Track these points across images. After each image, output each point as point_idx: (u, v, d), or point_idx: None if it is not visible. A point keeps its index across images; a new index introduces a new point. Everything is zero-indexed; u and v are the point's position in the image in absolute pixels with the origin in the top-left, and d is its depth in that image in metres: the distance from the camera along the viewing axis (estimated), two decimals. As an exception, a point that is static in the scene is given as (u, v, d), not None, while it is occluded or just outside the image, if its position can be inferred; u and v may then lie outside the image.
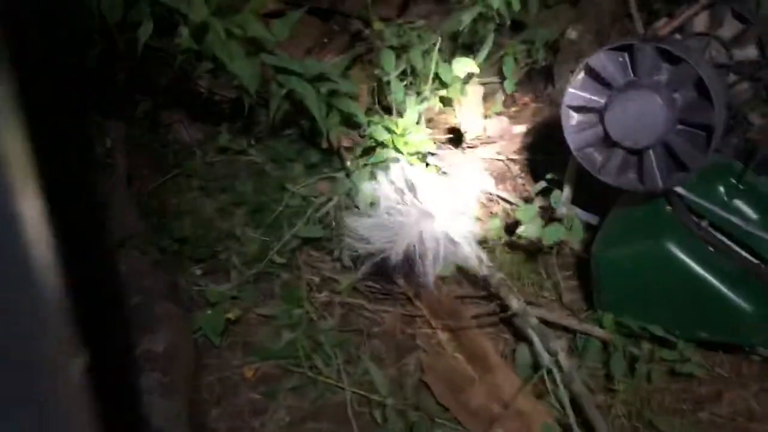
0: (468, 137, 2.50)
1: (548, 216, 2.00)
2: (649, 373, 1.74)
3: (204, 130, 2.56)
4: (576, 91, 1.66)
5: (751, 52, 1.88)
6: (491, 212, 2.25)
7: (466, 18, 2.35)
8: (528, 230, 1.94)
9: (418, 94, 2.43)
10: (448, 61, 2.45)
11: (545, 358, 1.72)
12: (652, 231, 1.73)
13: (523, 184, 2.40)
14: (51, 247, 0.48)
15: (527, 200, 2.24)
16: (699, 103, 1.55)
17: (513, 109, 2.71)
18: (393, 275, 2.05)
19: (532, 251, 2.08)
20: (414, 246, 1.88)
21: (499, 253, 2.09)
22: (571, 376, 1.69)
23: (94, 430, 0.51)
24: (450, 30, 2.42)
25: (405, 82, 2.43)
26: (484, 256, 1.88)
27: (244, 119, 2.30)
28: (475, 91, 2.51)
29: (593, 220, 2.01)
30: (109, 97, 2.47)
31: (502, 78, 2.63)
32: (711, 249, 1.71)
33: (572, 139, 1.70)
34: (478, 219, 1.96)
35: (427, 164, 2.28)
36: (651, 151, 1.62)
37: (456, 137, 2.51)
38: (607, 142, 1.67)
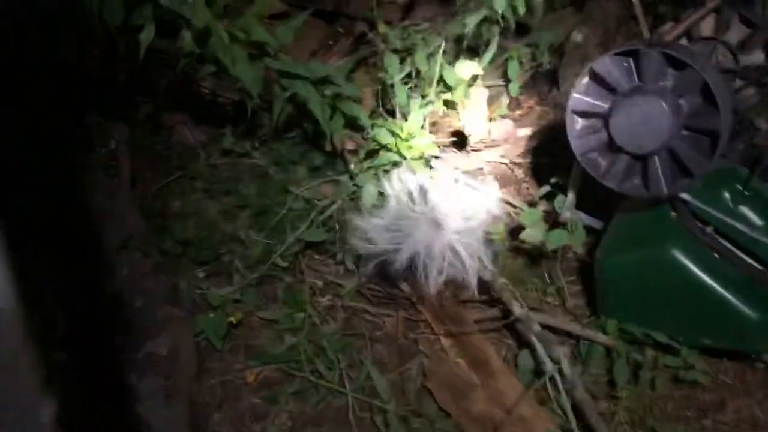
0: (472, 140, 2.50)
1: (552, 220, 1.99)
2: (653, 380, 1.73)
3: (207, 132, 2.56)
4: (580, 95, 1.65)
5: (757, 57, 1.86)
6: (494, 216, 2.24)
7: (471, 21, 2.35)
8: (531, 234, 1.92)
9: (423, 97, 2.43)
10: (453, 64, 2.44)
11: (548, 365, 1.71)
12: (657, 237, 1.72)
13: (528, 188, 2.39)
14: (12, 297, 0.47)
15: (531, 204, 2.23)
16: (705, 109, 1.54)
17: (518, 112, 2.71)
18: (396, 279, 2.05)
19: (536, 256, 2.07)
20: (420, 253, 1.88)
21: (502, 257, 2.08)
22: (573, 383, 1.68)
23: None
24: (454, 33, 2.42)
25: (409, 85, 2.43)
26: (488, 262, 1.88)
27: (248, 122, 2.29)
28: (479, 94, 2.50)
29: (597, 224, 2.00)
30: (111, 98, 2.47)
31: (507, 81, 2.63)
32: (716, 255, 1.70)
33: (576, 144, 1.69)
34: (487, 231, 1.95)
35: (431, 167, 2.27)
36: (656, 157, 1.60)
37: (460, 140, 2.50)
38: (611, 147, 1.66)
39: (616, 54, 1.59)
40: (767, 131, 1.88)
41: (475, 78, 2.47)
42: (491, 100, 2.59)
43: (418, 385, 1.83)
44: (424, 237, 1.89)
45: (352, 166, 2.25)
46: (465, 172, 2.39)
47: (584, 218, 1.98)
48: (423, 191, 1.99)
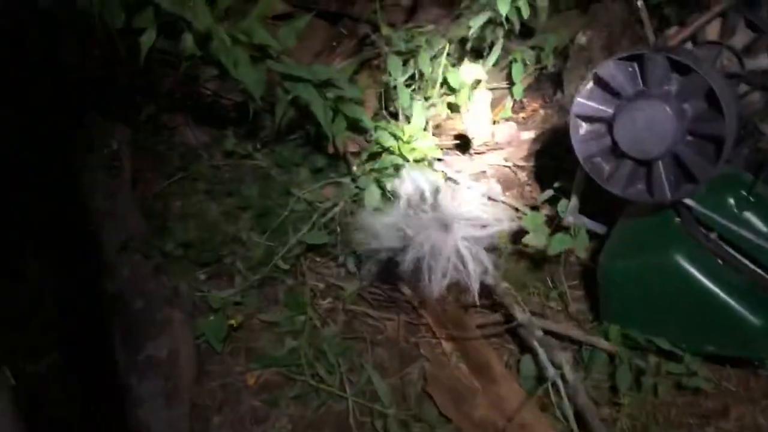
0: (475, 143, 2.49)
1: (555, 224, 1.97)
2: (656, 387, 1.71)
3: (210, 133, 2.55)
4: (584, 100, 1.64)
5: (763, 61, 1.85)
6: (497, 219, 2.23)
7: (475, 24, 2.34)
8: (534, 239, 1.91)
9: (426, 99, 2.42)
10: (456, 66, 2.44)
11: (550, 371, 1.70)
12: (661, 242, 1.71)
13: (531, 191, 2.38)
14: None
15: (534, 208, 2.22)
16: (709, 115, 1.53)
17: (521, 114, 2.70)
18: (398, 281, 2.04)
19: (538, 260, 2.05)
20: (426, 253, 1.87)
21: (504, 261, 2.06)
22: (575, 389, 1.66)
23: None
24: (458, 35, 2.41)
25: (412, 87, 2.42)
26: (491, 267, 1.86)
27: (250, 123, 2.29)
28: (483, 96, 2.49)
29: (600, 229, 1.98)
30: (113, 99, 2.47)
31: (511, 83, 2.62)
32: (720, 262, 1.69)
33: (580, 149, 1.68)
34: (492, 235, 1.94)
35: (434, 170, 2.26)
36: (660, 162, 1.59)
37: (463, 143, 2.49)
38: (615, 152, 1.65)
39: (620, 59, 1.58)
40: (773, 136, 1.87)
41: (478, 80, 2.46)
42: (495, 103, 2.58)
43: (419, 390, 1.82)
44: (431, 238, 1.88)
45: (354, 169, 2.24)
46: (468, 175, 2.38)
47: (587, 223, 1.96)
48: (434, 193, 1.98)
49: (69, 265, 2.04)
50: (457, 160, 2.48)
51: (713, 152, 1.54)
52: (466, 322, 1.94)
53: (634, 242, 1.79)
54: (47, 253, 2.11)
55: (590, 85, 1.64)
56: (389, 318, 2.01)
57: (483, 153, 2.53)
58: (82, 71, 2.32)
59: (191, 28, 1.77)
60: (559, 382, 1.67)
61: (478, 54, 2.57)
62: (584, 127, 1.68)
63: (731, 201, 1.67)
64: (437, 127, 2.48)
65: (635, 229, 1.82)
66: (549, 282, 2.04)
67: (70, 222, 2.13)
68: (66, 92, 2.26)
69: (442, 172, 2.30)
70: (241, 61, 1.86)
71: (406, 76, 2.40)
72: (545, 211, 2.12)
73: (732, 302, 1.63)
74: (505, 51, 2.56)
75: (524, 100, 2.70)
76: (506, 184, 2.41)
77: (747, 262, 1.68)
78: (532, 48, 2.61)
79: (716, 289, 1.64)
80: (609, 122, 1.62)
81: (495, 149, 2.54)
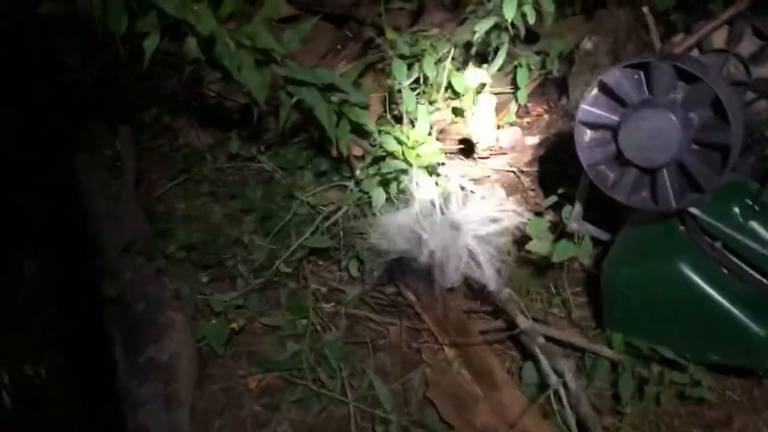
0: (480, 148, 2.48)
1: (559, 230, 1.97)
2: (658, 396, 1.71)
3: (214, 135, 2.55)
4: (589, 107, 1.63)
5: (770, 69, 1.84)
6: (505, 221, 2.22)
7: (481, 28, 2.33)
8: (538, 245, 1.91)
9: (430, 103, 2.42)
10: (461, 70, 2.43)
11: (552, 378, 1.69)
12: (665, 251, 1.70)
13: (534, 197, 2.37)
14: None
15: (538, 213, 2.21)
16: (715, 123, 1.52)
17: (526, 119, 2.69)
18: (407, 278, 2.04)
19: (542, 266, 2.05)
20: (438, 251, 1.88)
21: (507, 267, 2.05)
22: (578, 397, 1.66)
23: None
24: (463, 39, 2.40)
25: (417, 91, 2.42)
26: (500, 269, 1.87)
27: (254, 126, 2.28)
28: (487, 101, 2.49)
29: (604, 236, 1.98)
30: (117, 100, 2.47)
31: (516, 88, 2.61)
32: (725, 271, 1.68)
33: (585, 156, 1.67)
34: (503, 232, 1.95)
35: (438, 174, 2.26)
36: (665, 171, 1.59)
37: (467, 148, 2.49)
38: (620, 159, 1.64)
39: (626, 66, 1.57)
40: (779, 145, 1.85)
41: (483, 85, 2.46)
42: (499, 108, 2.58)
43: (421, 396, 1.81)
44: (443, 238, 1.89)
45: (358, 172, 2.24)
46: (472, 180, 2.38)
47: (591, 229, 1.96)
48: (443, 198, 2.00)
49: (69, 266, 2.04)
50: (461, 164, 2.48)
51: (719, 161, 1.53)
52: (469, 328, 1.93)
53: (639, 250, 1.78)
54: (47, 253, 2.10)
55: (595, 92, 1.63)
56: (391, 323, 2.00)
57: (487, 158, 2.52)
58: (85, 73, 2.32)
59: (194, 32, 1.77)
60: (561, 390, 1.66)
61: (482, 58, 2.56)
62: (589, 134, 1.68)
63: (736, 210, 1.66)
64: (441, 131, 2.48)
65: (639, 236, 1.81)
66: (552, 288, 2.03)
67: (69, 222, 2.13)
68: (66, 92, 2.26)
69: (446, 176, 2.29)
70: (245, 65, 1.85)
71: (411, 80, 2.39)
72: (549, 216, 2.11)
73: (736, 312, 1.62)
74: (510, 56, 2.56)
75: (529, 105, 2.70)
76: (510, 189, 2.40)
77: (752, 271, 1.67)
78: (537, 53, 2.61)
79: (720, 299, 1.63)
80: (614, 130, 1.62)
81: (499, 154, 2.54)
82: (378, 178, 2.18)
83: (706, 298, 1.63)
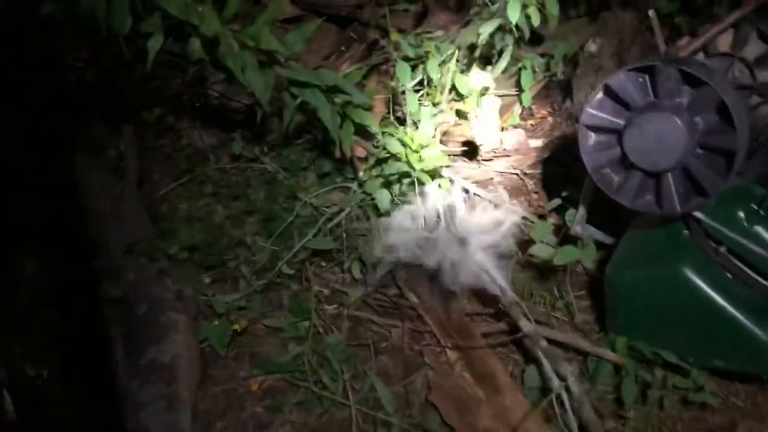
0: (483, 150, 2.48)
1: (562, 234, 1.96)
2: (662, 401, 1.70)
3: (217, 136, 2.55)
4: (594, 111, 1.62)
5: (775, 73, 1.83)
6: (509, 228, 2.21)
7: (486, 31, 2.33)
8: (541, 249, 1.90)
9: (434, 105, 2.42)
10: (465, 72, 2.43)
11: (555, 382, 1.68)
12: (669, 255, 1.69)
13: (538, 200, 2.37)
14: None
15: (541, 216, 2.21)
16: (721, 128, 1.51)
17: (530, 122, 2.69)
18: (404, 285, 2.04)
19: (545, 269, 2.04)
20: (446, 262, 1.89)
21: (510, 270, 2.05)
22: (580, 401, 1.65)
23: None
24: (467, 41, 2.40)
25: (421, 93, 2.42)
26: (502, 280, 1.87)
27: (258, 126, 2.28)
28: (491, 103, 2.48)
29: (608, 239, 1.97)
30: (120, 100, 2.46)
31: (520, 90, 2.61)
32: (729, 276, 1.67)
33: (589, 159, 1.67)
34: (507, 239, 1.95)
35: (441, 177, 2.25)
36: (670, 175, 1.58)
37: (471, 150, 2.48)
38: (624, 163, 1.63)
39: (631, 70, 1.56)
40: (784, 149, 1.85)
41: (487, 87, 2.46)
42: (503, 110, 2.57)
43: (423, 399, 1.80)
44: (450, 250, 1.90)
45: (361, 174, 2.24)
46: (475, 182, 2.37)
47: (595, 233, 1.95)
48: (449, 207, 2.00)
49: (69, 266, 2.04)
50: (464, 167, 2.47)
51: (724, 165, 1.52)
52: (471, 331, 1.93)
53: (642, 254, 1.78)
54: (47, 253, 2.10)
55: (600, 95, 1.62)
56: (394, 325, 2.00)
57: (491, 160, 2.52)
58: (88, 73, 2.32)
59: (198, 33, 1.77)
60: (564, 394, 1.66)
61: (487, 60, 2.56)
62: (593, 138, 1.67)
63: (741, 214, 1.65)
64: (445, 133, 2.47)
65: (643, 240, 1.80)
66: (555, 291, 2.03)
67: (69, 222, 2.12)
68: (66, 92, 2.26)
69: (449, 178, 2.29)
70: (249, 66, 1.85)
71: (415, 82, 2.40)
72: (552, 219, 2.11)
73: (740, 317, 1.61)
74: (515, 58, 2.55)
75: (533, 107, 2.69)
76: (514, 192, 2.40)
77: (756, 276, 1.66)
78: (542, 55, 2.60)
79: (725, 303, 1.62)
80: (619, 133, 1.61)
81: (503, 156, 2.53)
82: (381, 180, 2.18)
83: (710, 302, 1.63)
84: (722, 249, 1.67)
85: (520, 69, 2.56)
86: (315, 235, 2.11)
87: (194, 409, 1.78)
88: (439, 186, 2.16)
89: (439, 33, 2.55)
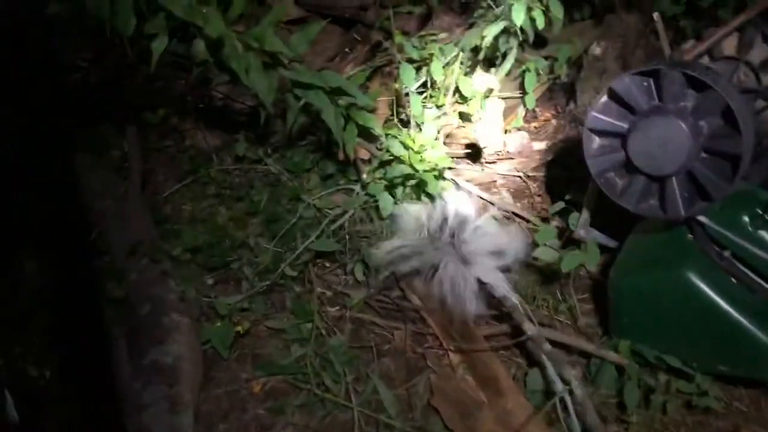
0: (487, 153, 2.48)
1: (566, 237, 1.96)
2: (665, 405, 1.69)
3: (221, 137, 2.55)
4: (598, 114, 1.62)
5: (780, 77, 1.83)
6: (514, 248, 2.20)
7: (490, 33, 2.33)
8: (545, 253, 1.90)
9: (438, 107, 2.41)
10: (469, 75, 2.43)
11: (558, 385, 1.68)
12: (673, 260, 1.69)
13: (541, 202, 2.36)
14: None
15: (544, 219, 2.21)
16: (726, 132, 1.51)
17: (533, 124, 2.68)
18: (407, 288, 2.04)
19: (548, 273, 2.03)
20: (447, 284, 1.91)
21: (513, 273, 2.05)
22: (584, 405, 1.64)
23: None
24: (471, 44, 2.40)
25: (424, 95, 2.41)
26: (506, 285, 1.87)
27: (261, 128, 2.28)
28: (495, 105, 2.48)
29: (611, 243, 1.97)
30: (124, 101, 2.46)
31: (523, 93, 2.60)
32: (733, 280, 1.66)
33: (593, 163, 1.67)
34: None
35: (444, 179, 2.25)
36: (674, 179, 1.58)
37: (474, 152, 2.48)
38: (628, 167, 1.63)
39: (635, 73, 1.56)
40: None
41: (491, 89, 2.45)
42: (507, 112, 2.57)
43: (425, 402, 1.80)
44: (452, 270, 1.91)
45: (364, 176, 2.24)
46: (478, 185, 2.37)
47: (598, 236, 1.95)
48: (454, 223, 2.00)
49: (69, 266, 2.04)
50: (467, 169, 2.47)
51: (729, 170, 1.52)
52: (474, 334, 1.92)
53: (646, 258, 1.77)
54: (47, 253, 2.11)
55: (604, 99, 1.62)
56: (396, 327, 2.00)
57: (494, 162, 2.51)
58: (92, 74, 2.32)
59: (203, 34, 1.77)
60: (567, 398, 1.65)
61: (490, 63, 2.55)
62: (597, 142, 1.67)
63: (746, 219, 1.65)
64: (448, 135, 2.47)
65: (647, 244, 1.80)
66: (558, 295, 2.03)
67: (70, 222, 2.13)
68: (67, 93, 2.26)
69: (452, 180, 2.29)
70: (253, 68, 1.85)
71: (418, 84, 2.39)
72: (556, 222, 2.10)
73: (744, 321, 1.61)
74: (518, 60, 2.55)
75: (537, 109, 2.69)
76: (517, 195, 2.40)
77: (761, 281, 1.65)
78: (546, 58, 2.60)
79: (729, 308, 1.62)
80: (623, 137, 1.61)
81: (506, 159, 2.53)
82: (384, 182, 2.17)
83: (714, 307, 1.62)
84: (726, 253, 1.67)
85: (523, 71, 2.56)
86: (318, 237, 2.11)
87: (196, 411, 1.78)
88: (443, 188, 2.15)
89: (443, 35, 2.55)
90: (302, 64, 2.05)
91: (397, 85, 2.36)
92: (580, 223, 1.89)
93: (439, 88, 2.42)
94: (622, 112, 1.61)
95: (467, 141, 2.48)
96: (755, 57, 1.85)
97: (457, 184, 2.27)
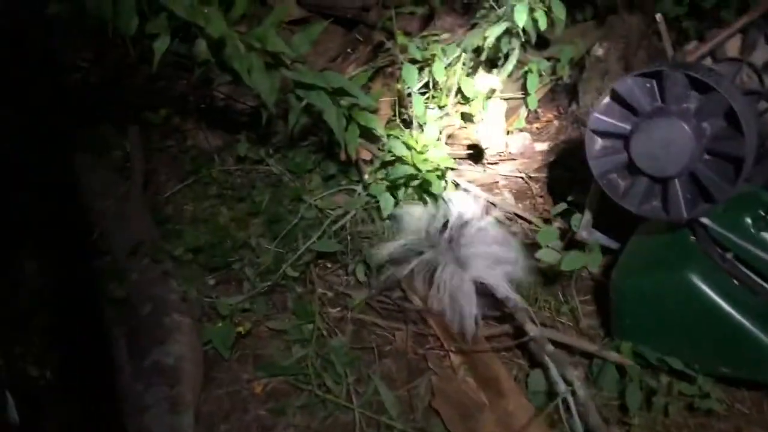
0: (489, 154, 2.47)
1: (568, 238, 1.95)
2: (667, 407, 1.69)
3: (223, 137, 2.55)
4: (601, 116, 1.62)
5: (783, 78, 1.83)
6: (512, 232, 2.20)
7: (493, 34, 2.32)
8: (547, 254, 1.89)
9: (440, 108, 2.41)
10: (471, 75, 2.42)
11: (560, 386, 1.68)
12: (675, 261, 1.68)
13: (543, 203, 2.36)
14: None
15: (546, 220, 2.20)
16: (729, 134, 1.50)
17: (536, 125, 2.68)
18: (408, 289, 2.03)
19: (550, 274, 2.03)
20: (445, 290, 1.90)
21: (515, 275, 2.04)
22: (586, 407, 1.64)
23: None
24: (473, 45, 2.39)
25: (427, 96, 2.41)
26: (508, 287, 1.86)
27: (263, 128, 2.28)
28: (497, 106, 2.48)
29: (613, 244, 1.96)
30: (126, 101, 2.46)
31: (525, 94, 2.60)
32: (736, 282, 1.66)
33: (595, 165, 1.66)
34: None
35: (446, 180, 2.25)
36: (676, 181, 1.57)
37: (476, 153, 2.48)
38: (631, 168, 1.63)
39: (638, 75, 1.56)
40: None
41: (493, 90, 2.45)
42: (509, 113, 2.57)
43: (426, 403, 1.80)
44: (449, 275, 1.90)
45: (366, 176, 2.23)
46: (480, 186, 2.37)
47: (600, 238, 1.95)
48: (459, 223, 1.99)
49: (70, 266, 2.04)
50: (469, 170, 2.47)
51: (732, 172, 1.52)
52: (475, 335, 1.92)
53: (648, 259, 1.77)
54: (47, 253, 2.11)
55: (607, 100, 1.62)
56: (397, 328, 2.00)
57: (496, 163, 2.51)
58: (93, 74, 2.32)
59: (205, 34, 1.76)
60: (570, 399, 1.65)
61: (493, 64, 2.55)
62: (600, 143, 1.66)
63: (748, 220, 1.65)
64: (450, 136, 2.47)
65: (649, 245, 1.80)
66: (560, 296, 2.02)
67: (70, 222, 2.13)
68: (67, 92, 2.26)
69: (454, 181, 2.29)
70: (255, 68, 1.85)
71: (421, 85, 2.39)
72: (558, 223, 2.10)
73: (747, 323, 1.60)
74: (521, 61, 2.55)
75: (539, 110, 2.69)
76: (519, 196, 2.39)
77: (763, 283, 1.65)
78: (548, 59, 2.60)
79: (731, 310, 1.61)
80: (625, 138, 1.60)
81: (508, 160, 2.53)
82: (386, 182, 2.17)
83: (716, 309, 1.62)
84: (729, 255, 1.67)
85: (526, 72, 2.56)
86: (319, 238, 2.11)
87: (197, 412, 1.78)
88: (444, 189, 2.15)
89: (445, 36, 2.54)
90: (304, 65, 2.05)
91: (399, 86, 2.36)
92: (583, 224, 1.88)
93: (441, 89, 2.42)
94: (624, 113, 1.60)
95: (469, 142, 2.48)
96: (758, 58, 1.84)
97: (458, 185, 2.26)
